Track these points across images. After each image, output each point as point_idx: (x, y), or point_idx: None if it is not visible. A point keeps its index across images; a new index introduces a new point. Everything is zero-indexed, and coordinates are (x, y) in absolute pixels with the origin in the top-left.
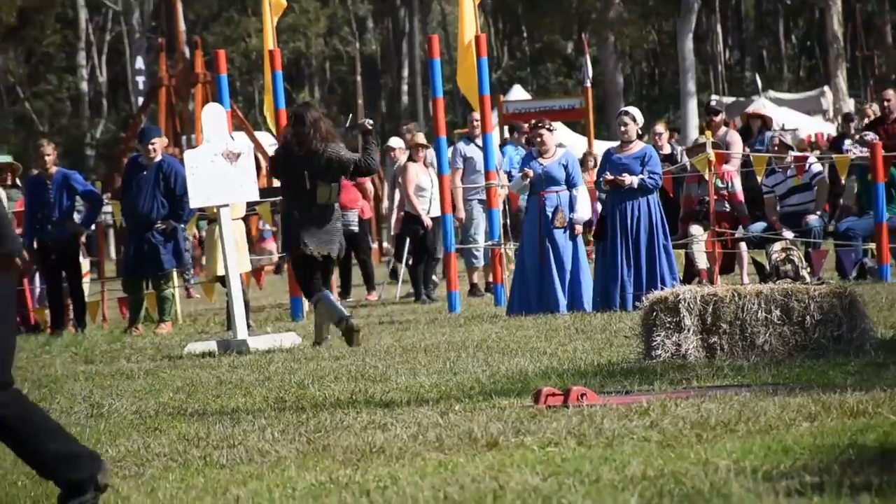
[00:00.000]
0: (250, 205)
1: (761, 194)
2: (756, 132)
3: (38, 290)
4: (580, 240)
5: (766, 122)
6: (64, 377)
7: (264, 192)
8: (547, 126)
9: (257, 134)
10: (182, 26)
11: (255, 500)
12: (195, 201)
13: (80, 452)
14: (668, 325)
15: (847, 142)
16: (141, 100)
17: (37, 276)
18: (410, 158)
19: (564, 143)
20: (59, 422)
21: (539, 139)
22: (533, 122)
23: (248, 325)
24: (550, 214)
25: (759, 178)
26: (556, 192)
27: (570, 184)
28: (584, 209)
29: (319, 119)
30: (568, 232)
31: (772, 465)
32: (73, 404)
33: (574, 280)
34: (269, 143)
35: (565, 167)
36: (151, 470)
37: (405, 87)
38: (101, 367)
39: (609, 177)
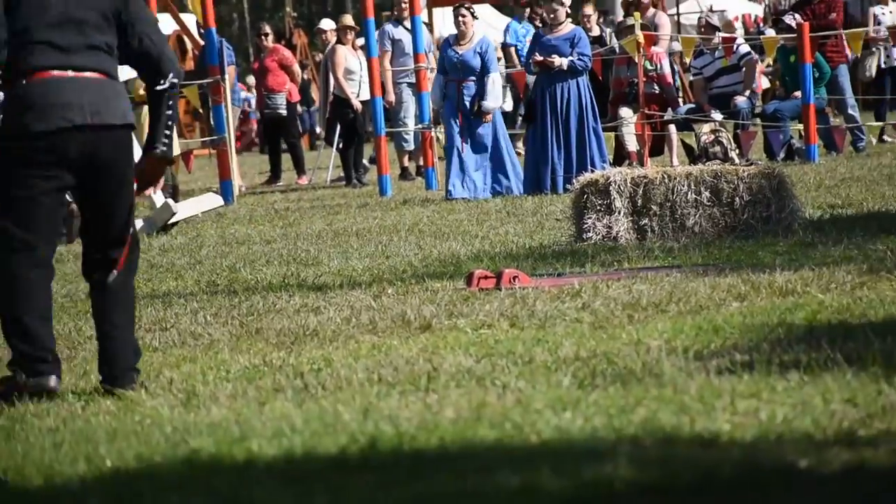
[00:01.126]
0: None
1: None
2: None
3: None
4: (502, 124)
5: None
6: None
7: (190, 76)
8: (471, 9)
9: (183, 16)
10: None
11: (189, 383)
12: None
13: (42, 336)
14: (598, 207)
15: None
16: None
17: None
18: (339, 41)
19: (497, 27)
20: None
21: (462, 19)
22: (457, 5)
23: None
24: (469, 103)
25: (687, 60)
26: (473, 81)
27: (485, 71)
28: (495, 97)
29: None
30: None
31: (702, 344)
32: None
33: (499, 165)
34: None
35: (481, 55)
36: (83, 353)
37: None
38: None
39: (538, 58)
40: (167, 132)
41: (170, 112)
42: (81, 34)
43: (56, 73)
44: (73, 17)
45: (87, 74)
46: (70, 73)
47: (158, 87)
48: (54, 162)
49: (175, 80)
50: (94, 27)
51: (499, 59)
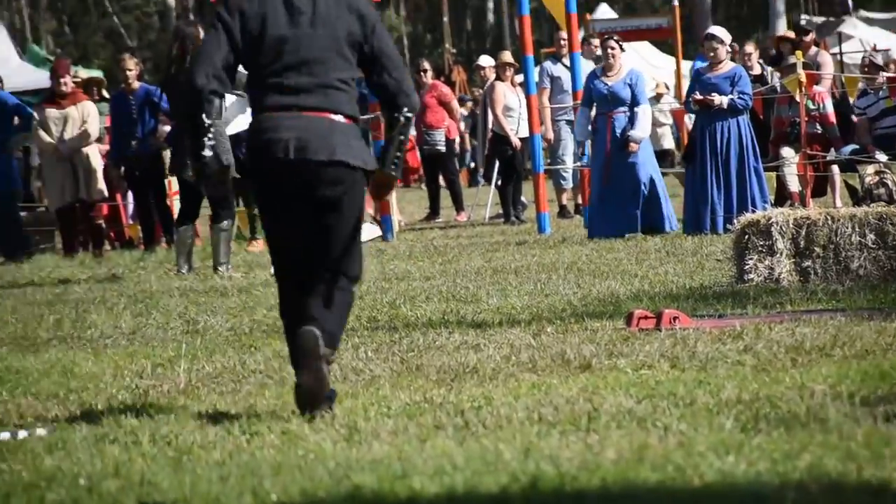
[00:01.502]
0: None
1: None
2: (787, 56)
3: (131, 207)
4: (652, 157)
5: (796, 46)
6: (159, 293)
7: None
8: (619, 41)
9: None
10: None
11: (351, 418)
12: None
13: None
14: (760, 248)
15: None
16: None
17: (129, 192)
18: (498, 78)
19: (655, 64)
20: (157, 336)
21: (611, 51)
22: (604, 37)
23: None
24: (619, 135)
25: (850, 100)
26: (624, 112)
27: (635, 102)
28: (643, 128)
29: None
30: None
31: (869, 390)
32: (168, 320)
33: (652, 200)
34: None
35: (631, 86)
36: (248, 386)
37: (491, 5)
38: (194, 283)
39: (698, 96)
40: (398, 154)
41: (402, 137)
42: (314, 75)
43: (280, 112)
44: (310, 57)
45: (311, 114)
46: (292, 113)
47: (392, 116)
48: (275, 194)
49: (409, 115)
50: (331, 66)
51: (657, 94)
